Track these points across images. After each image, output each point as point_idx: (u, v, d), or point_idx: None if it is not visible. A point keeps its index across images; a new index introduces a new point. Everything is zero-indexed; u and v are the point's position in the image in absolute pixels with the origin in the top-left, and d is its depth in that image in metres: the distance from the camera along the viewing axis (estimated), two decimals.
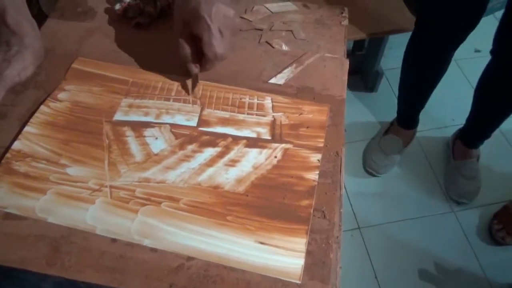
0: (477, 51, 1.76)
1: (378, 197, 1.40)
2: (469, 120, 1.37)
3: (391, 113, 1.49)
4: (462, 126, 1.44)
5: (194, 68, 0.56)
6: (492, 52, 1.13)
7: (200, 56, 0.55)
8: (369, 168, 1.44)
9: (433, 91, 1.32)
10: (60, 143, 0.52)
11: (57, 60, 0.60)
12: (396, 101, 1.44)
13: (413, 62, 1.26)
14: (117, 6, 0.65)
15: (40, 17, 0.65)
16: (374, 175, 1.44)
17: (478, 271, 1.26)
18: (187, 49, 0.55)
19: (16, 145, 0.51)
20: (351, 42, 1.57)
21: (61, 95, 0.56)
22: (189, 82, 0.58)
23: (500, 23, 1.06)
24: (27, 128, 0.52)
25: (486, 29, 1.12)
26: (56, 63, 0.60)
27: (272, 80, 0.59)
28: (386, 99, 1.63)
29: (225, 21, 0.53)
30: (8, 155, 0.50)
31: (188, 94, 0.57)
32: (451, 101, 1.58)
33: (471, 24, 1.07)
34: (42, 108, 0.54)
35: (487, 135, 1.35)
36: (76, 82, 0.58)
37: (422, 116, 1.44)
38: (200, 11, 0.52)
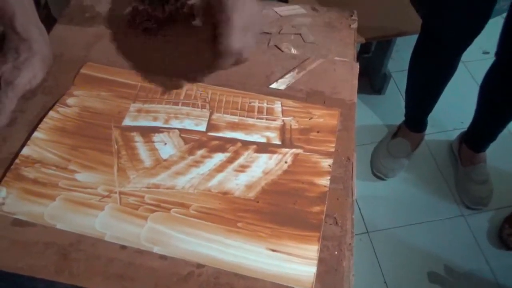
0: (485, 52, 1.74)
1: (386, 201, 1.39)
2: (474, 122, 1.35)
3: (399, 116, 1.48)
4: (464, 129, 1.42)
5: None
6: (496, 54, 1.12)
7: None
8: (377, 171, 1.43)
9: (441, 95, 1.31)
10: (69, 149, 0.51)
11: (66, 66, 0.60)
12: (404, 103, 1.43)
13: (419, 67, 1.26)
14: (125, 11, 0.65)
15: (48, 21, 0.65)
16: (382, 179, 1.43)
17: (489, 275, 1.24)
18: (212, 39, 0.52)
19: (25, 151, 0.51)
20: (358, 45, 1.56)
21: (70, 101, 0.56)
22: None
23: (504, 25, 1.05)
24: (36, 134, 0.52)
25: (494, 30, 1.10)
26: (64, 68, 0.59)
27: (280, 85, 0.59)
28: (394, 102, 1.61)
29: (250, 18, 0.50)
30: (17, 161, 0.50)
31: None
32: (459, 104, 1.56)
33: (476, 30, 1.06)
34: (51, 113, 0.54)
35: (493, 138, 1.34)
36: (84, 88, 0.57)
37: (430, 119, 1.43)
38: (225, 2, 0.49)
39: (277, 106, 0.56)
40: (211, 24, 0.53)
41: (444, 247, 1.28)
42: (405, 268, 1.25)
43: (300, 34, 0.65)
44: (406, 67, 1.29)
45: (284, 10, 0.69)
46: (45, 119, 0.54)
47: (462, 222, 1.34)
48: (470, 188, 1.36)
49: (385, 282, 1.22)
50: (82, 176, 0.49)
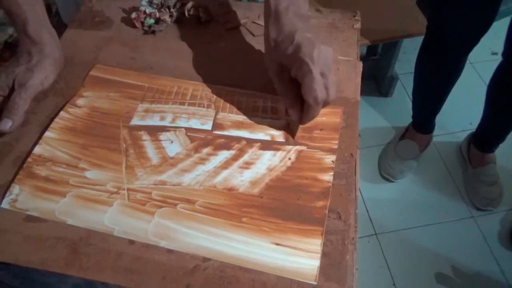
0: (493, 53, 1.74)
1: (394, 203, 1.39)
2: (482, 123, 1.35)
3: (406, 118, 1.48)
4: (473, 131, 1.42)
5: (296, 114, 0.52)
6: (503, 54, 1.12)
7: (302, 100, 0.51)
8: (385, 173, 1.43)
9: (448, 95, 1.31)
10: (79, 148, 0.53)
11: (76, 68, 0.62)
12: (411, 105, 1.43)
13: (425, 67, 1.26)
14: (133, 15, 0.67)
15: (59, 27, 0.67)
16: (390, 181, 1.42)
17: (499, 276, 1.23)
18: (287, 95, 0.52)
19: (37, 150, 0.52)
20: (364, 47, 1.57)
21: (80, 101, 0.58)
22: (290, 126, 0.55)
23: (510, 25, 1.05)
24: (47, 133, 0.54)
25: (503, 31, 1.10)
26: (74, 71, 0.61)
27: None
28: (401, 104, 1.62)
29: (326, 62, 0.49)
30: (29, 159, 0.52)
31: (293, 137, 0.54)
32: (467, 105, 1.56)
33: (481, 30, 1.06)
34: (62, 113, 0.56)
35: (502, 138, 1.33)
36: (94, 89, 0.59)
37: (438, 120, 1.43)
38: (301, 55, 0.48)
39: (281, 105, 0.57)
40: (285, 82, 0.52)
41: (453, 248, 1.28)
42: (414, 270, 1.24)
43: None
44: (413, 69, 1.30)
45: None
46: (56, 119, 0.55)
47: (472, 224, 1.33)
48: (479, 189, 1.35)
49: (394, 284, 1.22)
50: (92, 174, 0.50)
